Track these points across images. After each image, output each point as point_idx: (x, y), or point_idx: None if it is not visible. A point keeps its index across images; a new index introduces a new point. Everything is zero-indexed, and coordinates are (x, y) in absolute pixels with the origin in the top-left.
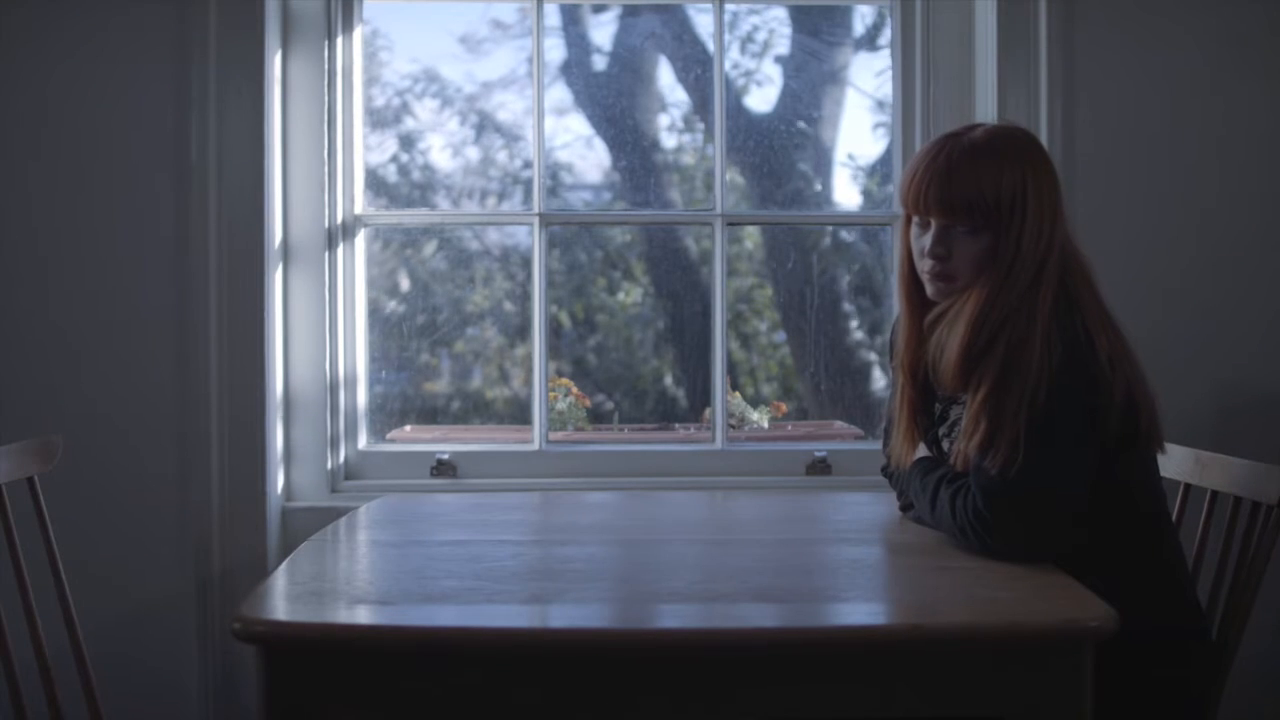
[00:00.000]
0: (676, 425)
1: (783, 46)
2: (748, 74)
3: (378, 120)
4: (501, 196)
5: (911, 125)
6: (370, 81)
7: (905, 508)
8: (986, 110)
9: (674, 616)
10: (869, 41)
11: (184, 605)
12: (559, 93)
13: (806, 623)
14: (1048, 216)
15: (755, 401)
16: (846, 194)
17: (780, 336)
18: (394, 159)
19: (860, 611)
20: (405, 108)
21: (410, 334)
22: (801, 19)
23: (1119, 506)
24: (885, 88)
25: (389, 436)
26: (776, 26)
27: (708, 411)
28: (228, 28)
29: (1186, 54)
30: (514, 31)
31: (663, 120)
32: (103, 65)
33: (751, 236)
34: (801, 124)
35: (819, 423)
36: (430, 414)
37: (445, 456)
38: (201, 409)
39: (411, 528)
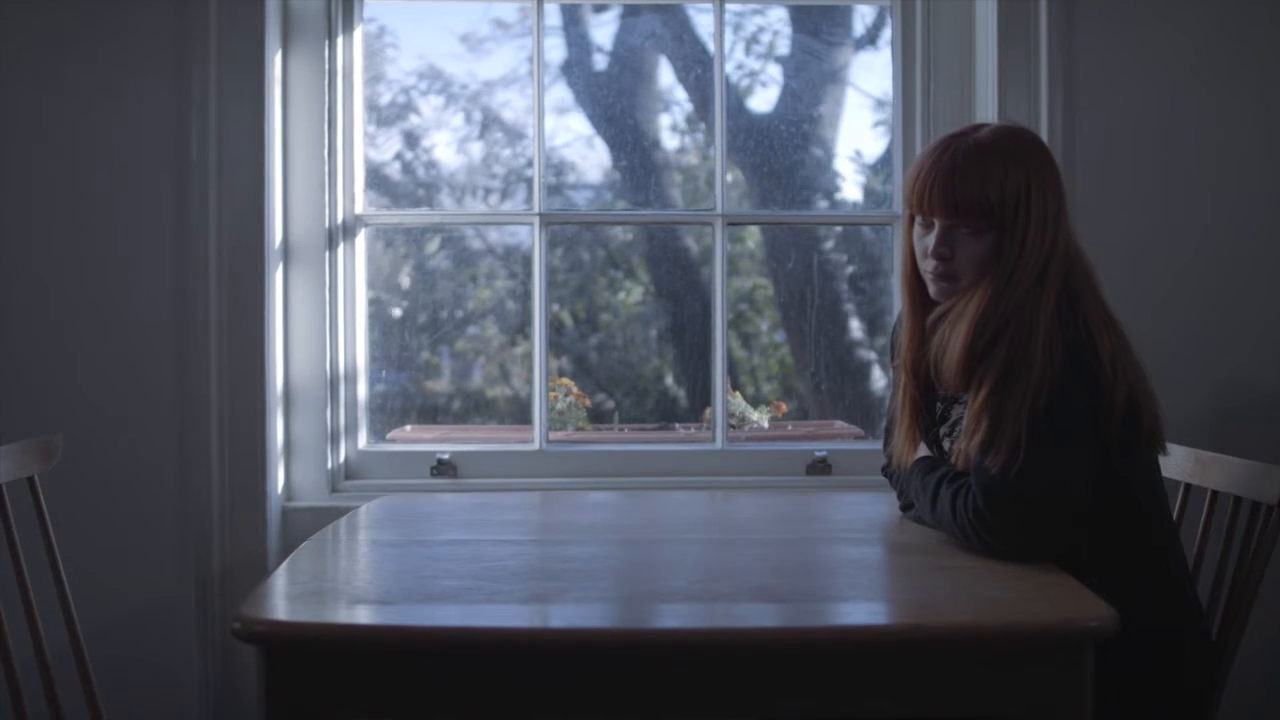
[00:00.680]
0: (677, 425)
1: (783, 46)
2: (752, 74)
3: (383, 117)
4: (504, 194)
5: (912, 125)
6: (376, 79)
7: (906, 507)
8: (986, 110)
9: (674, 616)
10: (869, 41)
11: (184, 605)
12: (559, 92)
13: (806, 623)
14: (1051, 217)
15: (755, 401)
16: (847, 194)
17: (780, 336)
18: (398, 156)
19: (860, 611)
20: (409, 105)
21: (411, 333)
22: (801, 19)
23: (1120, 507)
24: (885, 87)
25: (389, 436)
26: (780, 28)
27: (708, 411)
28: (228, 28)
29: (1186, 53)
30: (515, 31)
31: (663, 120)
32: (103, 65)
33: (752, 236)
34: (802, 124)
35: (819, 423)
36: (431, 413)
37: (445, 456)
38: (201, 409)
39: (411, 528)
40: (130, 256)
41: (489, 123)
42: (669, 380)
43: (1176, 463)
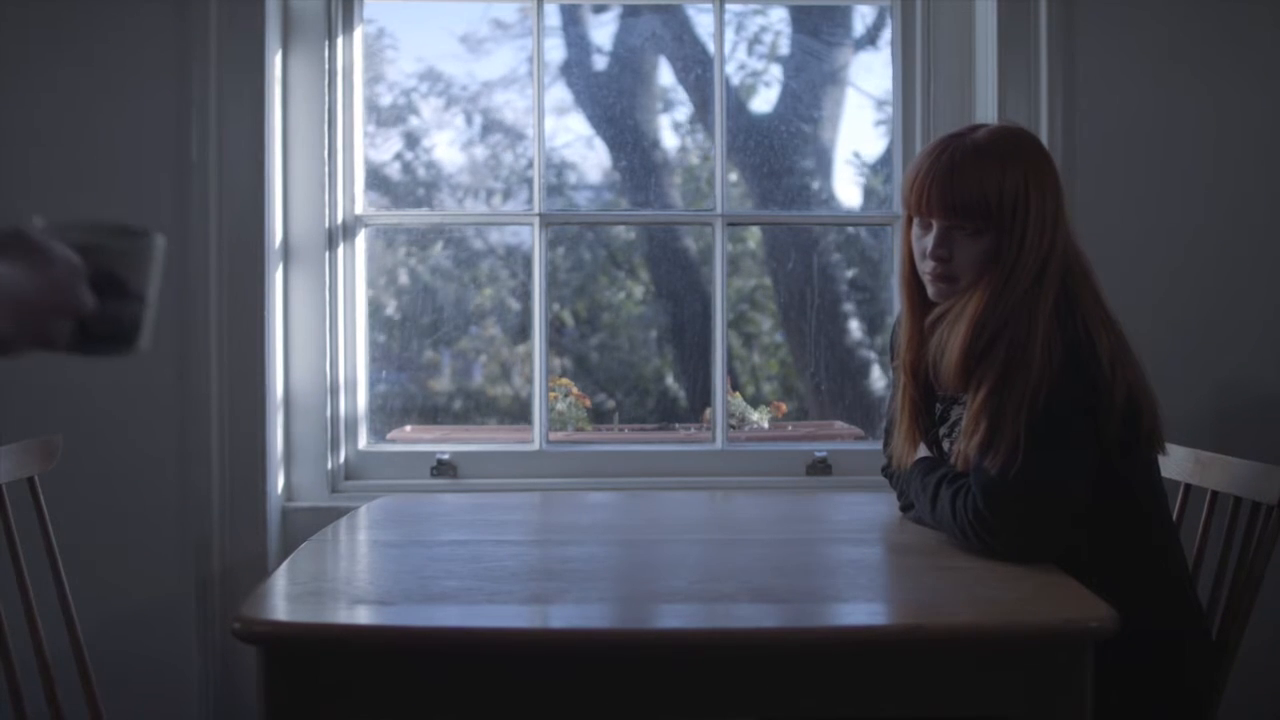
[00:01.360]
0: (677, 425)
1: (783, 47)
2: (753, 75)
3: (383, 118)
4: (506, 195)
5: (911, 125)
6: (375, 79)
7: (905, 508)
8: (986, 110)
9: (674, 616)
10: (869, 41)
11: (184, 605)
12: (559, 93)
13: (806, 623)
14: (1050, 217)
15: (755, 401)
16: (847, 194)
17: (780, 336)
18: (398, 156)
19: (860, 611)
20: (410, 106)
21: (411, 333)
22: (801, 19)
23: (1119, 507)
24: (885, 87)
25: (389, 436)
26: (780, 28)
27: (708, 411)
28: (228, 28)
29: (1186, 54)
30: (514, 31)
31: (663, 120)
32: (103, 65)
33: (752, 236)
34: (802, 124)
35: (819, 423)
36: (431, 413)
37: (445, 456)
38: (202, 409)
39: (412, 528)
40: None
41: (489, 124)
42: (669, 380)
43: (1176, 463)
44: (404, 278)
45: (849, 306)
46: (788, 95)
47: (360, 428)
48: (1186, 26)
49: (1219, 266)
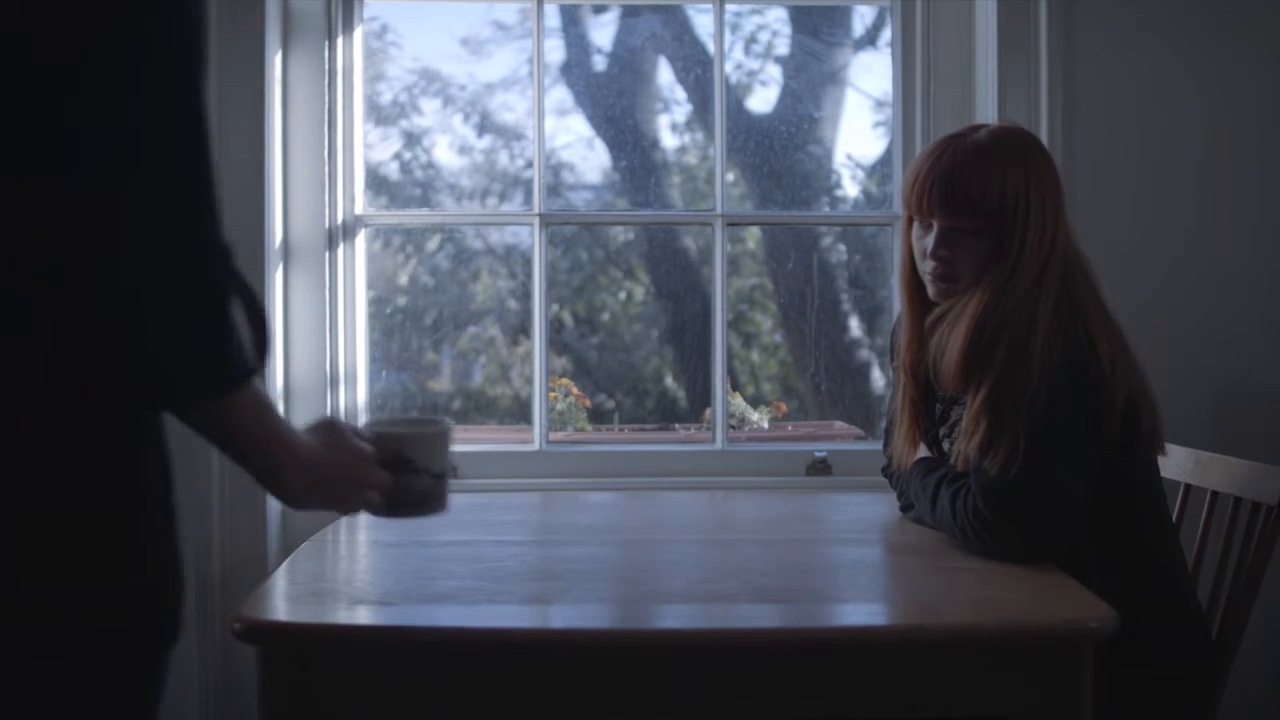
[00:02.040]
0: (677, 425)
1: (783, 46)
2: (751, 74)
3: (382, 117)
4: (503, 196)
5: (911, 125)
6: (377, 78)
7: (906, 508)
8: (987, 110)
9: (674, 616)
10: (869, 41)
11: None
12: (559, 93)
13: (806, 623)
14: (1050, 218)
15: (755, 401)
16: (846, 194)
17: (780, 336)
18: (397, 156)
19: (860, 612)
20: (410, 105)
21: (411, 333)
22: (801, 19)
23: (1119, 507)
24: (885, 88)
25: None
26: (780, 28)
27: (708, 411)
28: (228, 28)
29: (1186, 53)
30: (515, 33)
31: (663, 120)
32: None
33: (752, 236)
34: (801, 124)
35: (819, 423)
36: (431, 413)
37: None
38: None
39: (411, 528)
40: None
41: (489, 124)
42: (669, 380)
43: (1176, 463)
44: (404, 278)
45: (849, 306)
46: (787, 95)
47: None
48: (1186, 26)
49: (1219, 266)
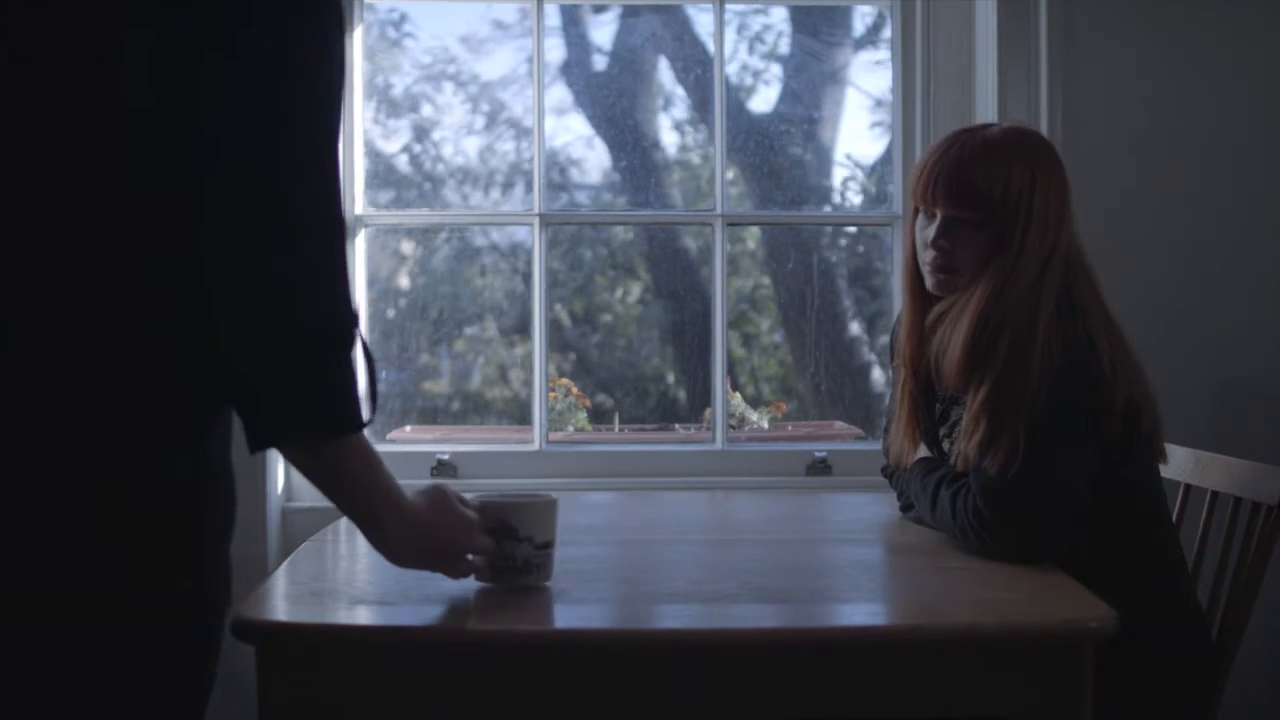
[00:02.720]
0: (676, 425)
1: (783, 46)
2: (753, 74)
3: (392, 109)
4: (505, 187)
5: (911, 125)
6: (393, 69)
7: (905, 508)
8: (987, 110)
9: (674, 616)
10: (869, 41)
11: None
12: (559, 93)
13: (806, 623)
14: (1054, 218)
15: (755, 401)
16: (846, 194)
17: (780, 336)
18: (405, 149)
19: (860, 612)
20: (417, 100)
21: (410, 333)
22: (801, 19)
23: (1119, 507)
24: (885, 87)
25: (389, 437)
26: (780, 28)
27: (708, 412)
28: None
29: (1187, 53)
30: (514, 32)
31: (663, 120)
32: None
33: (752, 236)
34: (802, 124)
35: (819, 423)
36: (430, 413)
37: (445, 457)
38: None
39: None
40: None
41: (492, 121)
42: (669, 380)
43: (1176, 463)
44: (404, 278)
45: (849, 306)
46: (788, 95)
47: None
48: (1186, 26)
49: (1219, 266)
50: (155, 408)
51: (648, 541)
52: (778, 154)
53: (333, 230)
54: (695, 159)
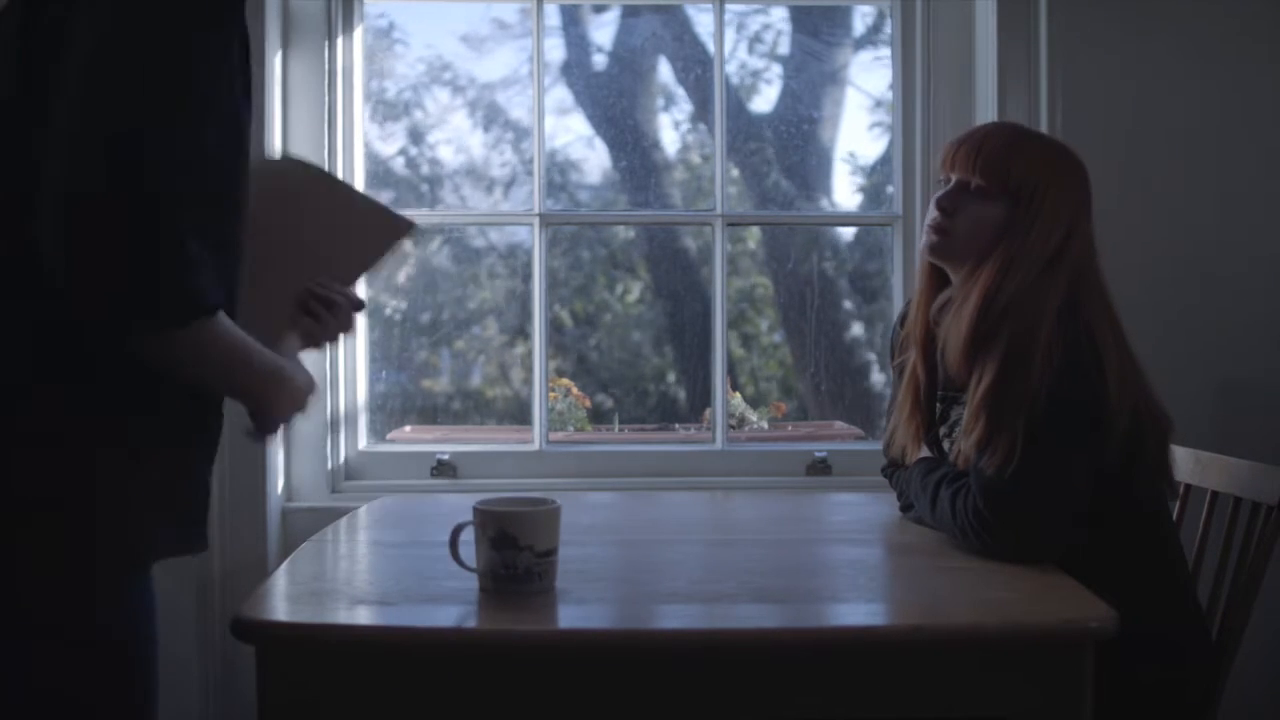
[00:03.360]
0: (676, 425)
1: (783, 46)
2: (752, 74)
3: (386, 114)
4: (509, 185)
5: (911, 125)
6: (384, 74)
7: (905, 508)
8: (987, 110)
9: (674, 616)
10: (869, 41)
11: (184, 605)
12: (559, 93)
13: (806, 623)
14: (1062, 223)
15: (755, 401)
16: (847, 194)
17: (780, 336)
18: (402, 152)
19: (860, 612)
20: (413, 102)
21: (410, 333)
22: (801, 19)
23: (1119, 507)
24: (885, 87)
25: (389, 437)
26: (780, 27)
27: (708, 412)
28: None
29: (1187, 53)
30: (515, 31)
31: (663, 120)
32: None
33: (752, 236)
34: (802, 124)
35: (819, 423)
36: (430, 413)
37: (445, 457)
38: None
39: (411, 528)
40: None
41: (491, 122)
42: (669, 380)
43: (1177, 462)
44: (403, 277)
45: (849, 306)
46: (788, 95)
47: (360, 428)
48: (1186, 26)
49: (1219, 266)
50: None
51: (648, 541)
52: (778, 154)
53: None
54: (695, 159)
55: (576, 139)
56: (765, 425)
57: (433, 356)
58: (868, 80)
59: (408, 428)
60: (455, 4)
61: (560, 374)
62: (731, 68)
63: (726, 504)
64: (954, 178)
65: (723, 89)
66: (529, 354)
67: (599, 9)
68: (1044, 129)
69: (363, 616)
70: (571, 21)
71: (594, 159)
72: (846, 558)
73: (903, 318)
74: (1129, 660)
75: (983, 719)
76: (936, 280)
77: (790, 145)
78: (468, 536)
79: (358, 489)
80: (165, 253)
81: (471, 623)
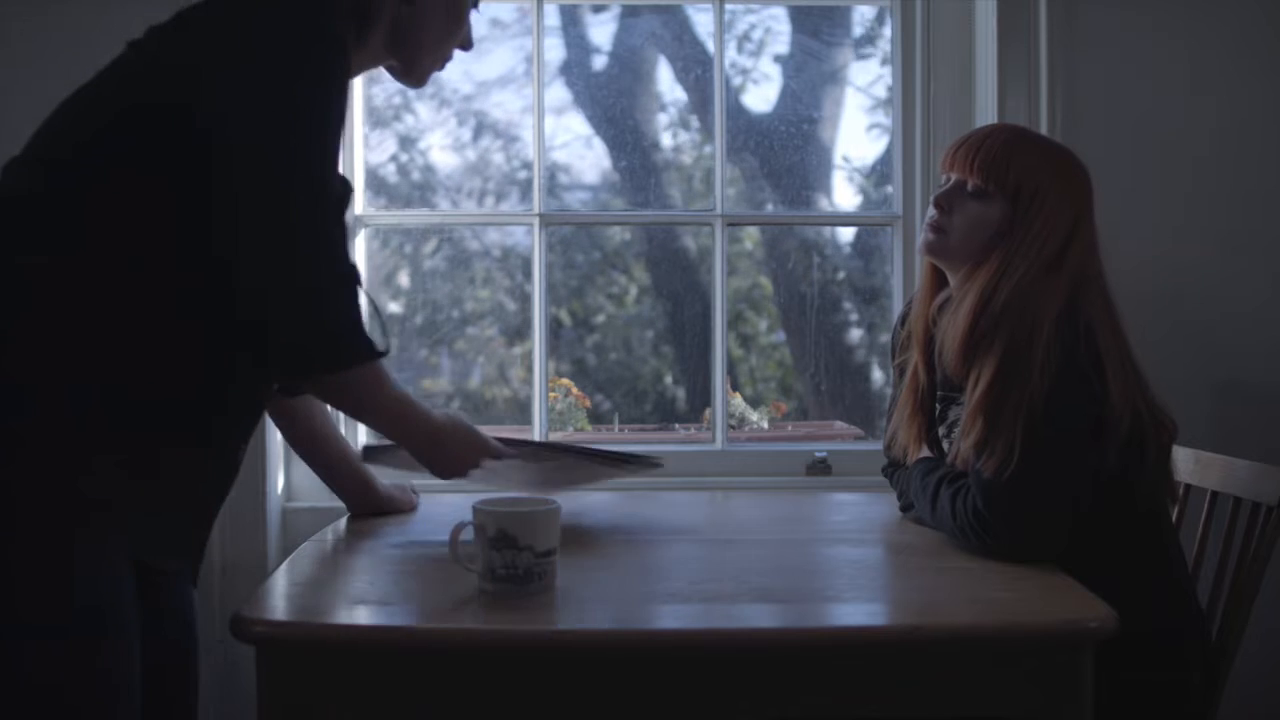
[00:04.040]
0: (676, 425)
1: (782, 46)
2: (744, 72)
3: (377, 120)
4: (499, 196)
5: (911, 125)
6: (371, 80)
7: (905, 508)
8: (986, 110)
9: (674, 616)
10: (869, 41)
11: None
12: (558, 92)
13: (806, 623)
14: (1062, 226)
15: (755, 401)
16: (846, 194)
17: (780, 336)
18: (393, 158)
19: (860, 612)
20: (405, 106)
21: (410, 333)
22: (801, 19)
23: (1119, 507)
24: (885, 88)
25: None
26: (773, 25)
27: (708, 412)
28: None
29: (1187, 54)
30: (513, 31)
31: (662, 120)
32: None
33: (750, 236)
34: (801, 124)
35: (819, 423)
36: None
37: None
38: None
39: (412, 528)
40: None
41: (484, 126)
42: (668, 381)
43: (1177, 463)
44: (403, 279)
45: (849, 306)
46: (787, 95)
47: (360, 427)
48: (1186, 26)
49: (1219, 266)
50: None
51: (648, 541)
52: (777, 154)
53: (313, 205)
54: (694, 159)
55: (575, 139)
56: (765, 425)
57: (431, 357)
58: (867, 81)
59: None
60: None
61: (559, 375)
62: (731, 68)
63: (726, 504)
64: (953, 177)
65: (722, 89)
66: (528, 355)
67: (598, 9)
68: (1044, 129)
69: (363, 616)
70: (570, 21)
71: (593, 159)
72: (846, 558)
73: (903, 317)
74: (1129, 660)
75: (983, 719)
76: (938, 280)
77: (790, 145)
78: (467, 536)
79: None
80: (346, 307)
81: (471, 623)
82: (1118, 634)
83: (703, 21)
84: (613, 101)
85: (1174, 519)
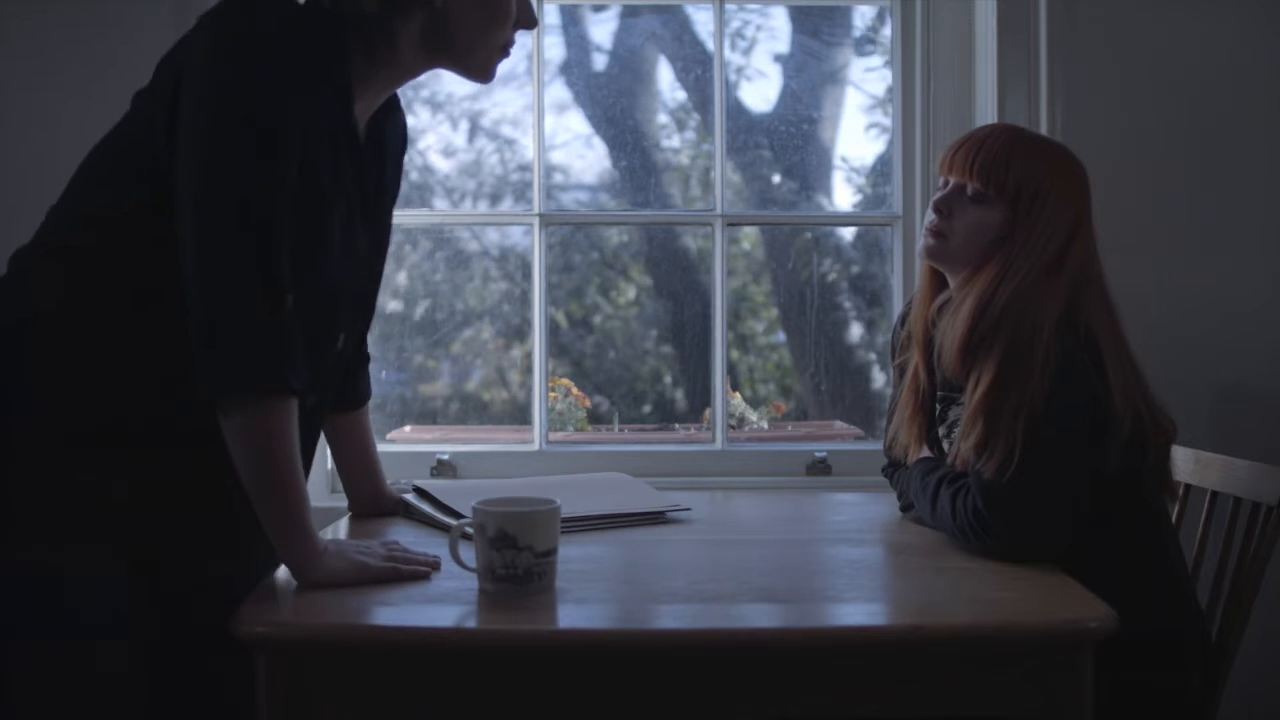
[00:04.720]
0: (676, 425)
1: (782, 46)
2: (752, 75)
3: None
4: (495, 198)
5: (911, 125)
6: None
7: (905, 508)
8: (986, 111)
9: (674, 616)
10: (869, 41)
11: None
12: (558, 92)
13: (806, 623)
14: (1062, 228)
15: (755, 402)
16: (846, 194)
17: (780, 337)
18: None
19: (860, 612)
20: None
21: (409, 334)
22: (801, 19)
23: (1119, 507)
24: (885, 88)
25: (389, 437)
26: (765, 23)
27: (708, 412)
28: None
29: (1187, 53)
30: None
31: (662, 120)
32: (99, 69)
33: (749, 237)
34: (801, 124)
35: (819, 423)
36: (430, 415)
37: (445, 457)
38: None
39: (412, 528)
40: None
41: (481, 127)
42: (668, 381)
43: (1177, 463)
44: (402, 279)
45: (849, 306)
46: (787, 95)
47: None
48: (1186, 27)
49: (1219, 266)
50: None
51: (648, 541)
52: (777, 154)
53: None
54: (694, 159)
55: (575, 138)
56: (765, 425)
57: (430, 359)
58: (867, 80)
59: (407, 428)
60: None
61: (559, 375)
62: (731, 68)
63: (726, 504)
64: (952, 180)
65: (722, 89)
66: (527, 355)
67: (598, 8)
68: (1044, 129)
69: (363, 616)
70: (571, 21)
71: (592, 159)
72: (846, 558)
73: (903, 318)
74: (1129, 660)
75: (982, 719)
76: (937, 281)
77: (790, 145)
78: (467, 537)
79: None
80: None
81: (471, 623)
82: (1118, 634)
83: (703, 21)
84: (613, 101)
85: (1174, 519)
